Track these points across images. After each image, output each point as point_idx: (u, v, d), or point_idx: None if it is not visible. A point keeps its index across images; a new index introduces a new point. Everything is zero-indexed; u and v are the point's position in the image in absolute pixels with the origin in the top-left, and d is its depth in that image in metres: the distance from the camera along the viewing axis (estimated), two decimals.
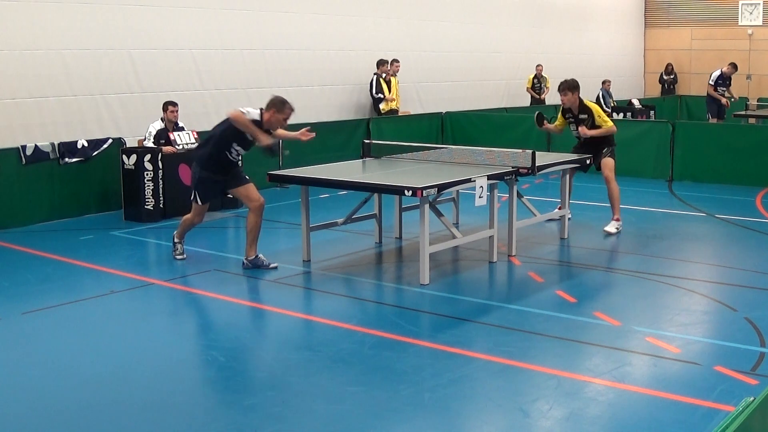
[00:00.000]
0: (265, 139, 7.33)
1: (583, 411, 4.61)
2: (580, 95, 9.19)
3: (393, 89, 15.12)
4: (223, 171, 7.61)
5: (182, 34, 12.13)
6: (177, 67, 12.08)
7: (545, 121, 9.39)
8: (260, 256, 7.66)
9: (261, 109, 7.45)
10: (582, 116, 9.16)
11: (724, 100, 16.78)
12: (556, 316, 6.30)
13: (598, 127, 9.11)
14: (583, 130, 9.06)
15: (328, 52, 14.53)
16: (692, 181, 12.77)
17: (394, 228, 8.98)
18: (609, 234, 9.01)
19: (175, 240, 8.10)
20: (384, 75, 14.70)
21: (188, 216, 7.90)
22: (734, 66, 17.10)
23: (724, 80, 16.99)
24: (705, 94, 17.82)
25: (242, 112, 7.30)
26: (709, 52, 23.25)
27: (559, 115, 9.44)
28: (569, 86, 9.12)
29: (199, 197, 7.66)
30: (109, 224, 9.82)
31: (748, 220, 9.90)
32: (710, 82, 17.08)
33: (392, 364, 5.29)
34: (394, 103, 14.89)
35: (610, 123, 9.29)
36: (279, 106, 7.40)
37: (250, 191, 7.65)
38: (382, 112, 14.77)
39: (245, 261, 7.69)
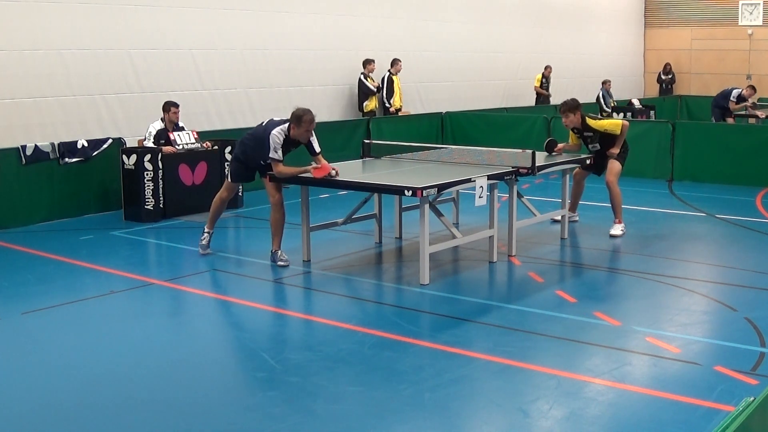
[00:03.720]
0: (310, 173, 7.61)
1: (583, 411, 4.61)
2: (583, 113, 9.13)
3: (396, 89, 15.17)
4: (254, 160, 7.88)
5: (182, 34, 12.13)
6: (177, 67, 12.08)
7: (557, 144, 9.33)
8: (279, 252, 7.83)
9: (289, 125, 7.61)
10: (587, 134, 9.13)
11: (730, 121, 16.79)
12: (556, 316, 6.30)
13: (612, 136, 9.03)
14: (612, 152, 9.04)
15: (328, 52, 14.52)
16: (692, 181, 12.78)
17: (394, 228, 8.98)
18: (615, 236, 8.97)
19: (205, 229, 8.25)
20: (370, 74, 14.82)
21: (217, 196, 8.20)
22: (753, 88, 17.20)
23: (740, 101, 17.12)
24: (705, 94, 17.86)
25: (279, 162, 7.55)
26: (709, 52, 23.25)
27: (570, 132, 9.39)
28: (570, 107, 9.02)
29: (229, 174, 8.24)
30: (109, 224, 9.82)
31: (748, 220, 9.90)
32: (732, 99, 17.07)
33: (392, 364, 5.29)
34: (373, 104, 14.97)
35: (616, 124, 9.16)
36: (295, 121, 7.57)
37: (268, 188, 7.85)
38: (366, 110, 14.80)
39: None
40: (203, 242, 8.21)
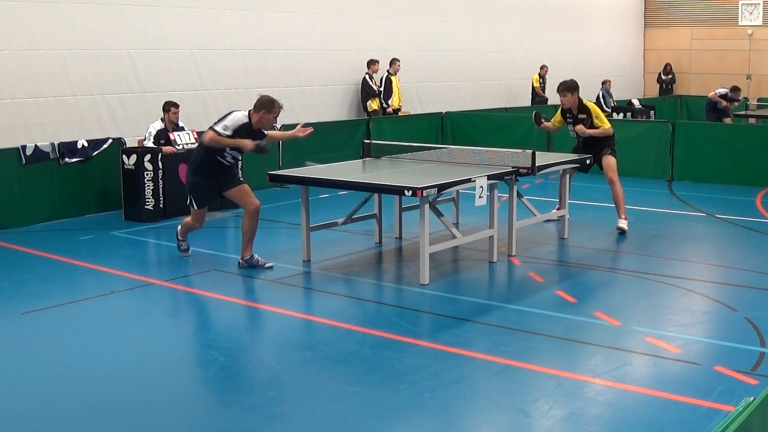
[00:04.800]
0: (248, 144, 7.30)
1: (583, 411, 4.61)
2: (580, 96, 9.20)
3: (395, 89, 15.17)
4: (217, 175, 7.54)
5: (182, 34, 12.13)
6: (177, 67, 12.08)
7: (543, 120, 9.43)
8: (255, 256, 7.65)
9: (249, 111, 7.39)
10: (581, 116, 9.17)
11: (724, 103, 16.85)
12: (556, 316, 6.30)
13: (596, 127, 9.11)
14: (581, 129, 9.04)
15: (328, 52, 14.53)
16: (692, 181, 12.78)
17: (394, 228, 8.98)
18: (623, 230, 9.01)
19: (179, 237, 8.14)
20: (373, 74, 14.86)
21: (188, 219, 7.95)
22: (733, 88, 17.26)
23: (729, 101, 17.13)
24: (705, 94, 17.91)
25: (216, 133, 7.22)
26: (709, 52, 23.26)
27: (558, 113, 9.45)
28: (568, 87, 9.12)
29: (194, 203, 7.64)
30: (109, 224, 9.82)
31: (748, 220, 9.90)
32: (716, 92, 17.15)
33: (392, 364, 5.29)
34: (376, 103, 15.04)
35: (608, 124, 9.25)
36: (269, 106, 7.33)
37: (244, 194, 7.59)
38: (371, 110, 14.83)
39: (240, 261, 7.68)
40: (182, 248, 8.12)
